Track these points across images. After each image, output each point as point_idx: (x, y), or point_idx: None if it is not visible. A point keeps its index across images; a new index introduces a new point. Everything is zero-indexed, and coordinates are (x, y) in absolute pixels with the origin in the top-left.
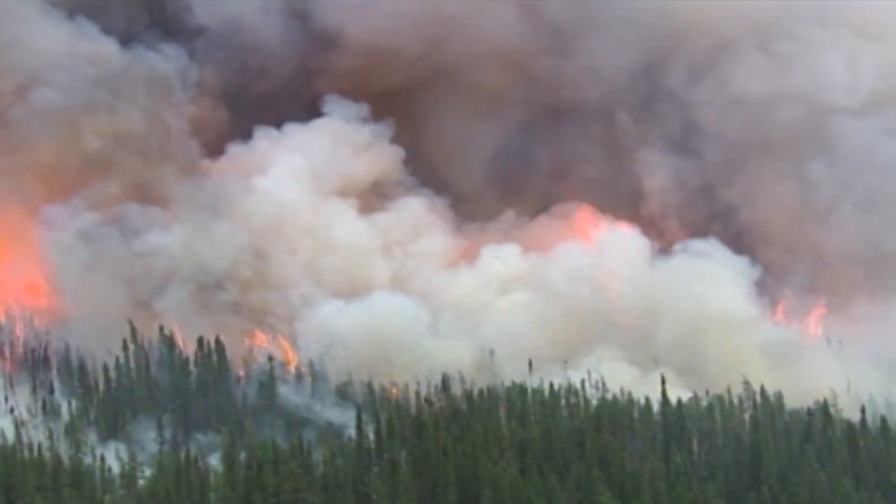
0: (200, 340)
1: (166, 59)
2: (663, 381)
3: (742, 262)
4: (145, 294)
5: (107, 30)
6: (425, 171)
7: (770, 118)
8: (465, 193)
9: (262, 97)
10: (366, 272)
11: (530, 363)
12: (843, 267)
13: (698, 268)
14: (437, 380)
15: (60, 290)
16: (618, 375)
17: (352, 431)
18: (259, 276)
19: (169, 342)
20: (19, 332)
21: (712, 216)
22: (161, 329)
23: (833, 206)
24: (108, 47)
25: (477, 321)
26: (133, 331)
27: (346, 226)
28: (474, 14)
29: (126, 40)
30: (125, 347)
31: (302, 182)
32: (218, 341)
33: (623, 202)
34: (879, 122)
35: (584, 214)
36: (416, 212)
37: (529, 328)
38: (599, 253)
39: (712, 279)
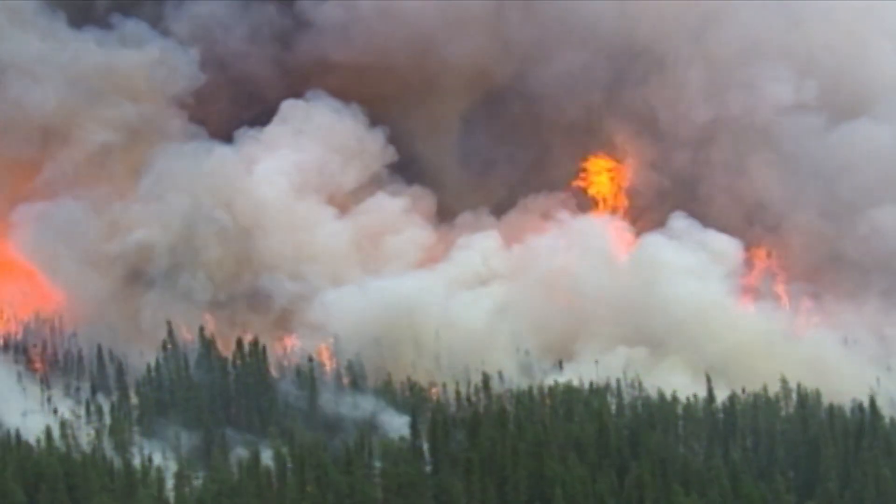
0: (239, 342)
1: (156, 60)
2: (709, 380)
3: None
4: (135, 291)
5: (100, 36)
6: (407, 170)
7: (720, 124)
8: (446, 191)
9: (248, 100)
10: (351, 263)
11: (560, 363)
12: (806, 264)
13: (677, 254)
14: (459, 376)
15: (65, 291)
16: (612, 368)
17: (388, 430)
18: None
19: (207, 343)
20: (48, 333)
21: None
22: (201, 330)
23: (787, 211)
24: (102, 51)
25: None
26: (171, 332)
27: (328, 223)
28: (449, 33)
29: (115, 43)
30: (164, 348)
31: (289, 179)
32: (256, 342)
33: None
34: (824, 123)
35: (560, 206)
36: (399, 208)
37: (513, 321)
38: (580, 242)
39: (692, 265)
